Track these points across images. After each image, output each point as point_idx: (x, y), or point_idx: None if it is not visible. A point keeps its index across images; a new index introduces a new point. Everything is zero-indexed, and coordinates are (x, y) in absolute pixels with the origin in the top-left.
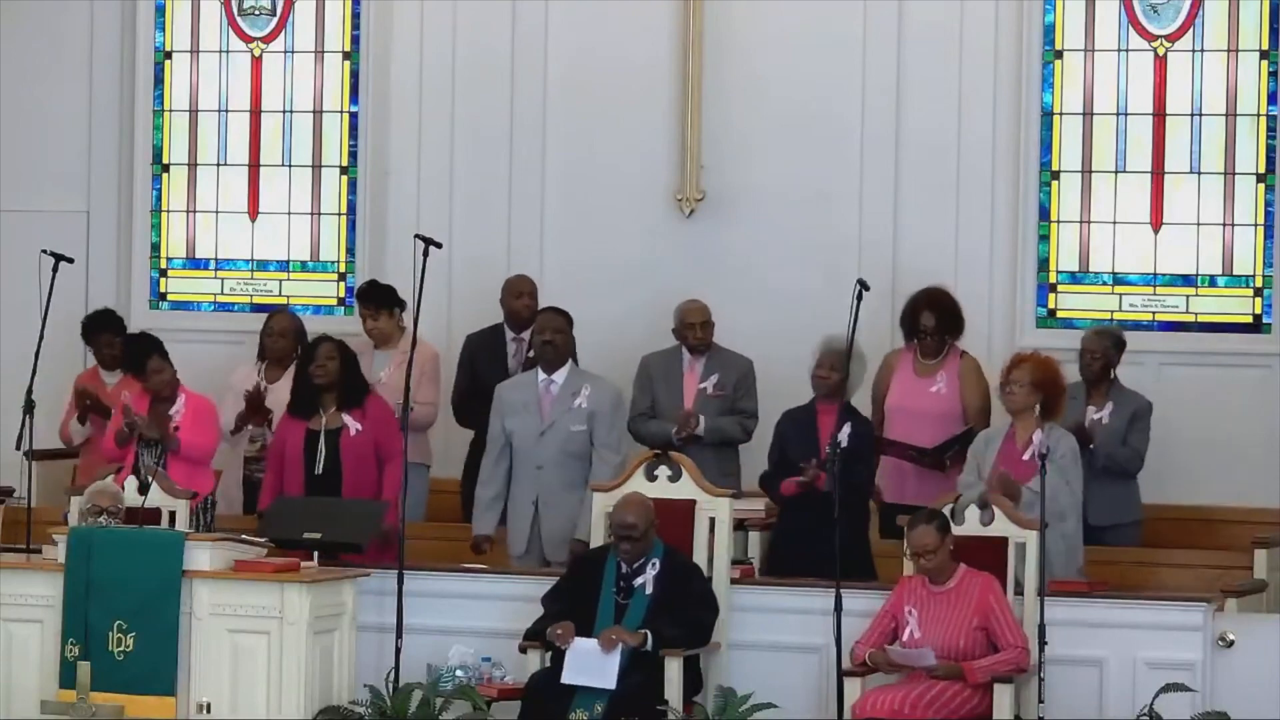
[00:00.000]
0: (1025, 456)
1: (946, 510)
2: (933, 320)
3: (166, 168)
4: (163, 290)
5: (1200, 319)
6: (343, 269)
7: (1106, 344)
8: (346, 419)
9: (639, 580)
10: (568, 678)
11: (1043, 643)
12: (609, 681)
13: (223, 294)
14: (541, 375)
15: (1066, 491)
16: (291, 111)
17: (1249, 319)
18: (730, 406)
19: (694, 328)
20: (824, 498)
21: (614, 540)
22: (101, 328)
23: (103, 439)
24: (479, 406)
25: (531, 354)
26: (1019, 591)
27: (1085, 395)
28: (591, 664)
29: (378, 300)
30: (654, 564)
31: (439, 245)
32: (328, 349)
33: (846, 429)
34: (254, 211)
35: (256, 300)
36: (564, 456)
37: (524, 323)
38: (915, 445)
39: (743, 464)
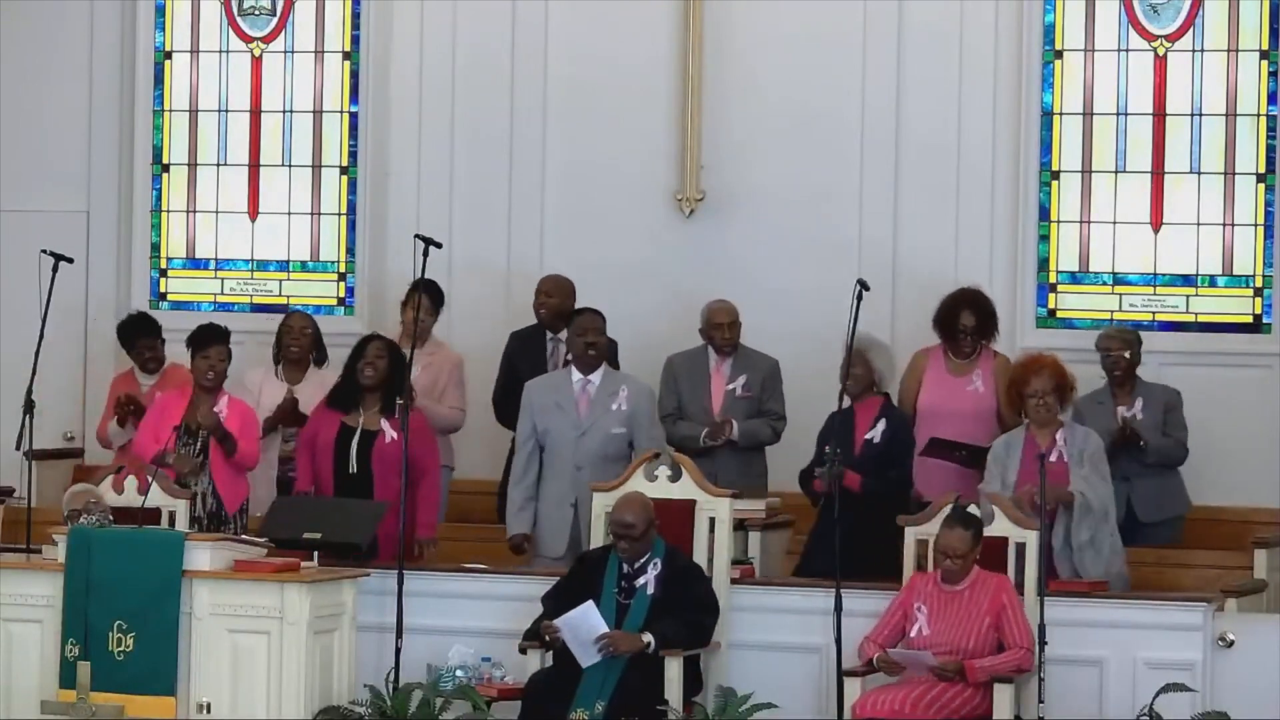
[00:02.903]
0: (1052, 459)
1: (947, 510)
2: (973, 320)
3: (166, 168)
4: (163, 290)
5: (1200, 319)
6: (343, 269)
7: (1130, 339)
8: (385, 424)
9: (641, 580)
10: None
11: (1043, 643)
12: (587, 659)
13: (223, 294)
14: (577, 375)
15: (1104, 487)
16: (291, 111)
17: (1249, 319)
18: (758, 408)
19: (721, 328)
20: (865, 498)
21: (613, 539)
22: (140, 333)
23: (134, 442)
24: (518, 406)
25: (569, 356)
26: (1019, 591)
27: (1112, 397)
28: (581, 635)
29: (435, 297)
30: (655, 564)
31: (439, 245)
32: (377, 347)
33: (880, 425)
34: (254, 211)
35: (256, 300)
36: (602, 458)
37: (547, 324)
38: (966, 444)
39: (769, 464)
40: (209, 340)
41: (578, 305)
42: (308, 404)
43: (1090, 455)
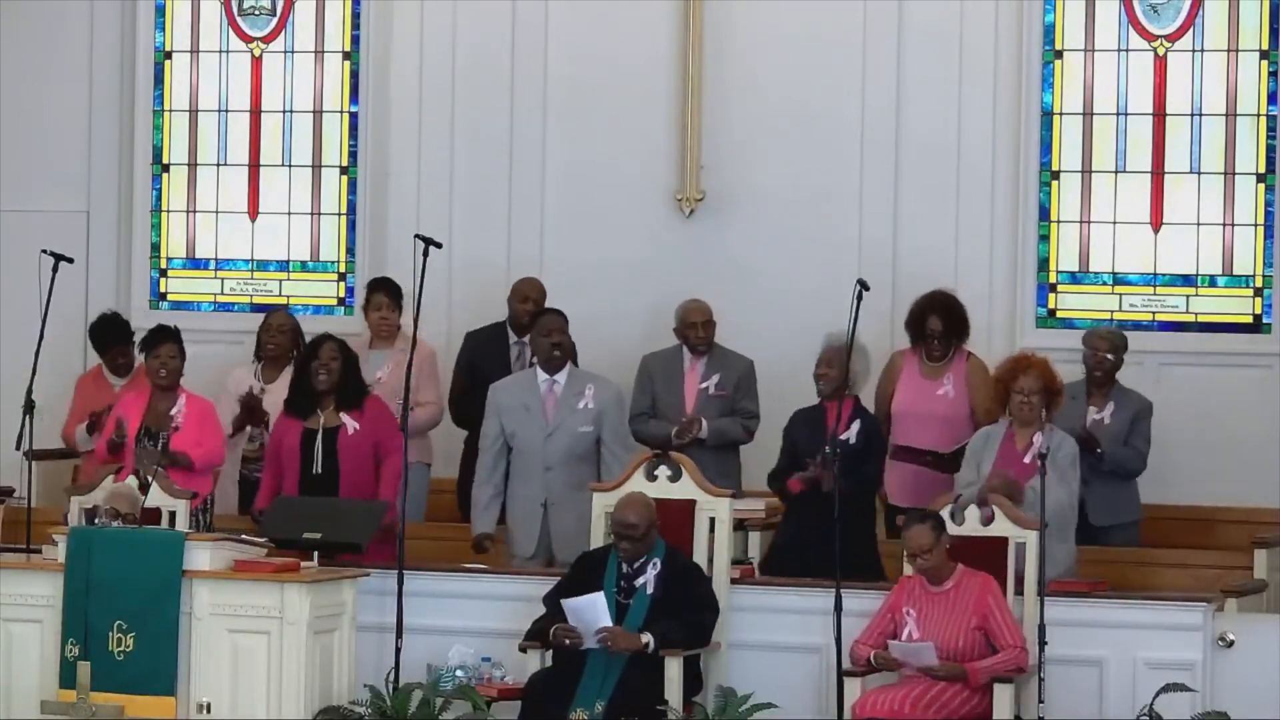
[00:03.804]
0: (1026, 459)
1: (946, 511)
2: (940, 325)
3: (166, 168)
4: (163, 290)
5: (1200, 319)
6: (343, 269)
7: (1117, 343)
8: (344, 418)
9: (640, 580)
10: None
11: (1043, 643)
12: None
13: (223, 294)
14: (543, 376)
15: (1063, 491)
16: (291, 111)
17: (1249, 319)
18: (731, 407)
19: (695, 327)
20: (828, 497)
21: (614, 539)
22: (113, 339)
23: (97, 444)
24: (479, 406)
25: (534, 358)
26: (1019, 591)
27: (1085, 395)
28: (585, 624)
29: (393, 293)
30: (655, 564)
31: (439, 245)
32: (330, 349)
33: (855, 426)
34: (254, 211)
35: (256, 300)
36: (571, 458)
37: (525, 328)
38: (931, 450)
39: (743, 464)
40: (159, 340)
41: (573, 306)
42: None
43: (1059, 460)
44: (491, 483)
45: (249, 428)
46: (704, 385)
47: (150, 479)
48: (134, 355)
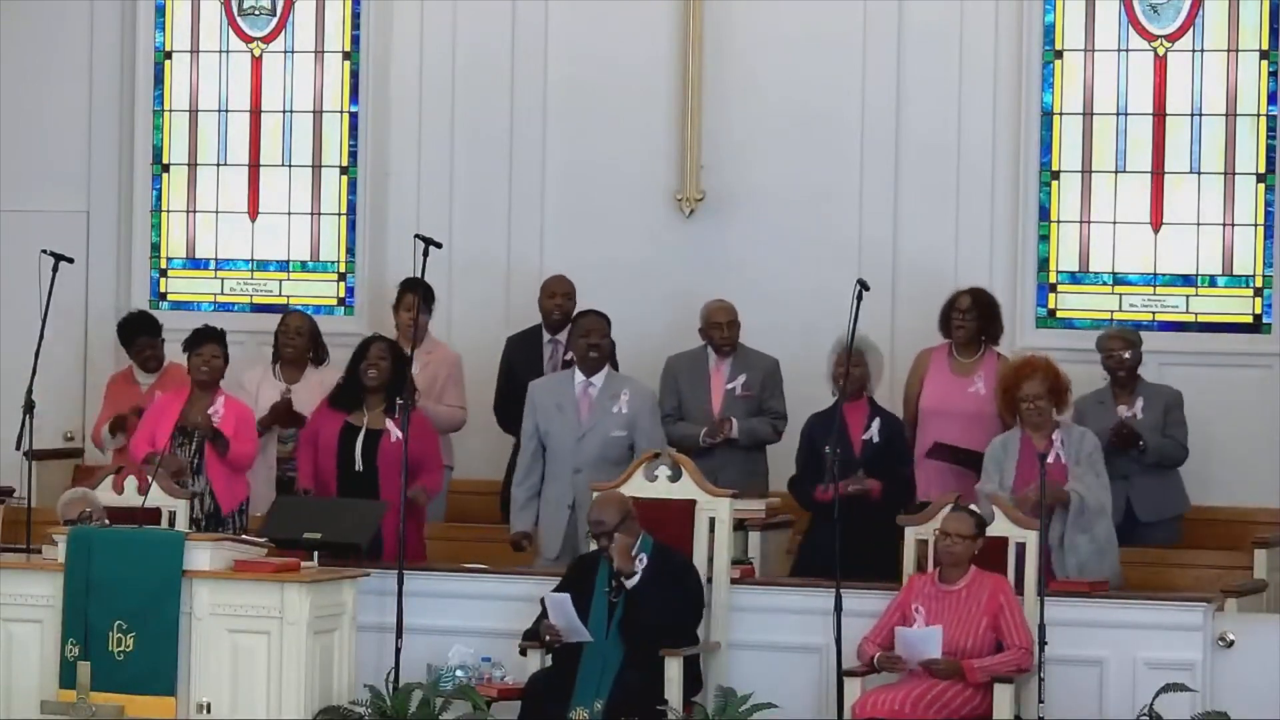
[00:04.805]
0: (1050, 460)
1: (948, 509)
2: (969, 300)
3: (166, 168)
4: (163, 290)
5: (1200, 319)
6: (343, 269)
7: (1132, 340)
8: (389, 424)
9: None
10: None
11: (1043, 643)
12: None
13: (223, 294)
14: (579, 377)
15: (1100, 486)
16: (291, 111)
17: (1249, 319)
18: (759, 407)
19: (720, 327)
20: (871, 503)
21: (593, 539)
22: (139, 332)
23: (131, 443)
24: (518, 410)
25: (569, 356)
26: (1018, 591)
27: (1112, 397)
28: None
29: (425, 295)
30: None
31: (439, 245)
32: (379, 348)
33: (875, 424)
34: (254, 211)
35: (256, 300)
36: (603, 461)
37: (556, 324)
38: (969, 450)
39: (770, 464)
40: (203, 339)
41: (580, 307)
42: (304, 404)
43: (1087, 455)
44: (529, 481)
45: (278, 428)
46: (730, 386)
47: (151, 479)
48: (162, 350)
